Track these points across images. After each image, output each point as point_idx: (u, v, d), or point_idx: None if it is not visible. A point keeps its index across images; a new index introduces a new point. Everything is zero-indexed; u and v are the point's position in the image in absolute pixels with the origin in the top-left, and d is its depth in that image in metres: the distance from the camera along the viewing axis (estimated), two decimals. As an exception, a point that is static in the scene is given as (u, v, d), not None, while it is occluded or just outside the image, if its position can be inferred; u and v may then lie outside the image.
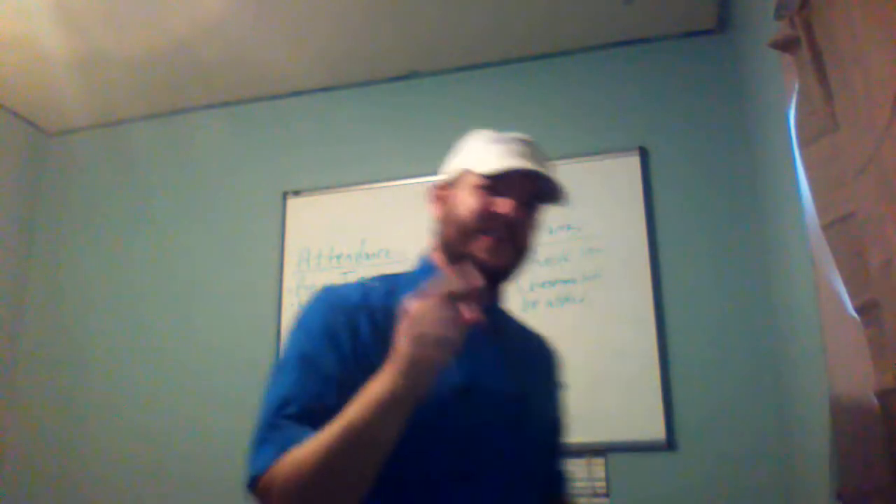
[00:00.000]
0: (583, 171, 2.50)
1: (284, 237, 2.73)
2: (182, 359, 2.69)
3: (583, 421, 2.28)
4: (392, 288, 1.06)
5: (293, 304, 2.61)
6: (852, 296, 1.15)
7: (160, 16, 2.41)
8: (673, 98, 2.53)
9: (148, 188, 2.97)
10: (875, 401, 1.08)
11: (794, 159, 1.52)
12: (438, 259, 1.11)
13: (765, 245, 2.24)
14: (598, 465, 2.26)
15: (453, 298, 0.84)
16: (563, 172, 2.49)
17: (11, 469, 2.76)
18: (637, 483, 2.22)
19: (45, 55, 2.59)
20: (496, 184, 1.05)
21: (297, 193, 2.77)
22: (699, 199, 2.41)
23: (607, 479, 2.24)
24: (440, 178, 1.15)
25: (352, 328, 0.98)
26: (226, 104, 2.97)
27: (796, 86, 1.38)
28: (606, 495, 2.23)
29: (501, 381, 1.05)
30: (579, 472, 2.27)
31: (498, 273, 1.06)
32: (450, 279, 0.86)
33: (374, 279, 1.10)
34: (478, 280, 0.87)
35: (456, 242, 1.06)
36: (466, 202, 1.06)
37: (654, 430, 2.21)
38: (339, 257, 2.65)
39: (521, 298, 2.43)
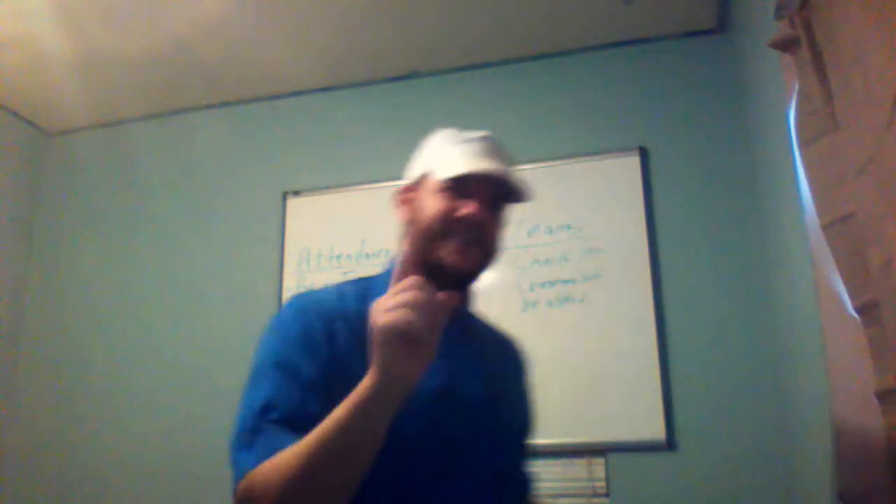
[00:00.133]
0: (583, 171, 2.50)
1: (284, 237, 2.73)
2: (182, 359, 2.69)
3: (583, 421, 2.30)
4: (365, 291, 1.05)
5: (293, 304, 2.61)
6: (852, 296, 1.15)
7: (160, 16, 2.41)
8: (673, 98, 2.53)
9: (148, 188, 2.97)
10: (875, 401, 1.08)
11: (794, 159, 1.52)
12: (408, 262, 1.09)
13: (765, 245, 2.24)
14: (598, 465, 2.26)
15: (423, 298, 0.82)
16: (563, 172, 2.52)
17: (11, 469, 2.76)
18: (637, 483, 2.22)
19: (45, 55, 2.59)
20: (460, 186, 1.04)
21: (297, 193, 2.78)
22: (699, 199, 2.41)
23: (607, 479, 2.24)
24: (404, 180, 1.14)
25: (329, 334, 0.97)
26: (226, 104, 2.97)
27: (796, 86, 1.38)
28: (606, 495, 2.23)
29: (474, 383, 1.05)
30: (579, 472, 2.27)
31: (466, 276, 1.06)
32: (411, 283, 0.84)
33: (346, 283, 1.10)
34: (454, 298, 0.86)
35: (423, 246, 1.06)
36: (431, 206, 1.05)
37: (654, 430, 2.21)
38: (339, 257, 2.65)
39: (521, 298, 2.44)
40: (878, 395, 1.07)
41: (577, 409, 2.29)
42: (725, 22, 2.49)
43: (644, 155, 2.47)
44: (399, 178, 1.18)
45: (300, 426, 0.86)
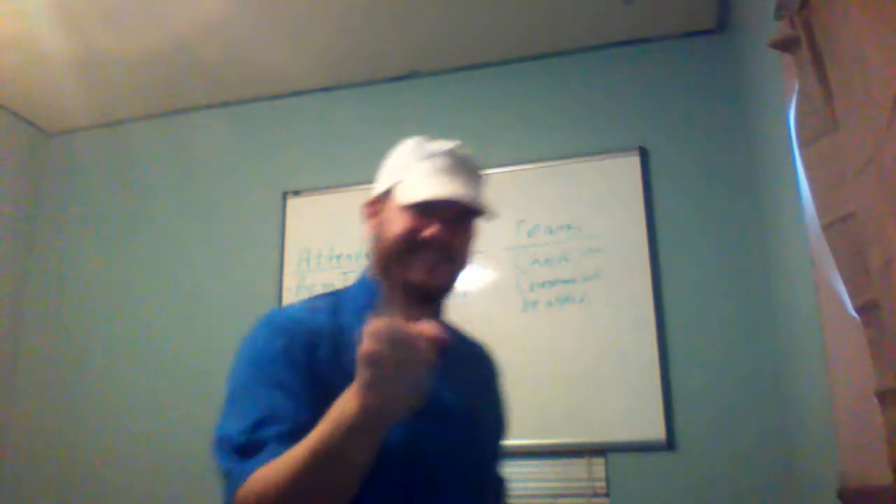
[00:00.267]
0: (583, 171, 2.50)
1: (284, 237, 2.73)
2: (182, 358, 2.69)
3: (583, 421, 2.30)
4: (336, 306, 1.05)
5: (293, 304, 2.61)
6: (852, 296, 1.15)
7: (160, 16, 2.41)
8: (673, 98, 2.53)
9: (148, 188, 2.97)
10: (875, 401, 1.08)
11: (794, 159, 1.52)
12: (377, 275, 1.09)
13: (765, 245, 2.24)
14: (598, 465, 2.26)
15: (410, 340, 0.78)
16: (563, 172, 2.52)
17: (11, 469, 2.76)
18: (637, 483, 2.22)
19: (45, 55, 2.59)
20: (425, 205, 1.02)
21: (297, 193, 2.77)
22: (699, 199, 2.41)
23: (607, 479, 2.24)
24: (371, 194, 1.12)
25: (309, 348, 0.96)
26: (226, 104, 2.97)
27: (796, 86, 1.37)
28: (606, 495, 2.23)
29: (452, 394, 1.04)
30: (579, 472, 2.27)
31: (436, 292, 1.06)
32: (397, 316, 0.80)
33: (316, 298, 1.09)
34: (441, 336, 0.80)
35: (388, 262, 1.05)
36: (396, 224, 1.04)
37: (654, 430, 2.21)
38: (339, 257, 2.65)
39: (521, 298, 2.44)
40: (878, 395, 1.07)
41: (578, 409, 2.29)
42: (725, 22, 2.49)
43: (644, 155, 2.47)
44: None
45: (294, 431, 0.86)
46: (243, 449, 0.88)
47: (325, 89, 2.89)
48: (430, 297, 1.05)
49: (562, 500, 2.25)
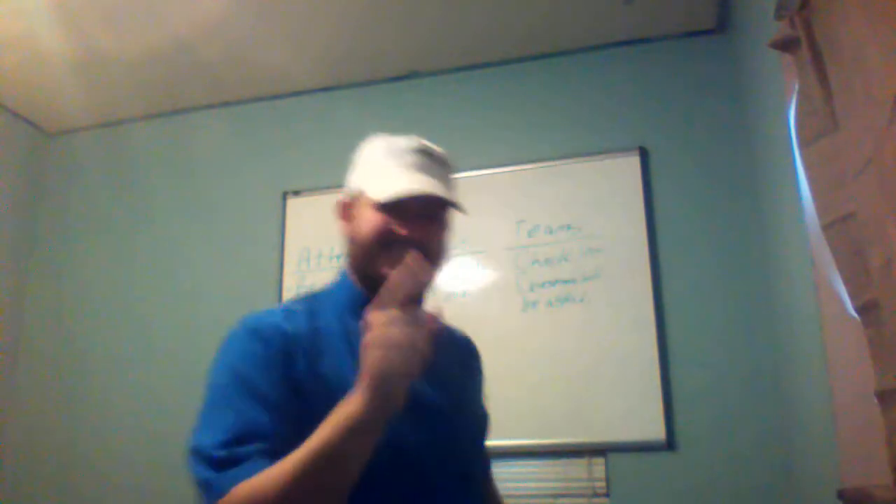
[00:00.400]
0: (583, 171, 2.50)
1: (284, 237, 2.73)
2: (182, 358, 2.69)
3: (583, 421, 2.30)
4: (314, 308, 1.06)
5: (293, 304, 2.61)
6: (852, 296, 1.15)
7: (160, 16, 2.41)
8: (673, 98, 2.53)
9: (148, 188, 2.97)
10: (875, 401, 1.08)
11: (794, 159, 1.52)
12: (353, 275, 1.09)
13: (765, 245, 2.24)
14: (598, 465, 2.26)
15: (410, 302, 0.84)
16: (563, 172, 2.52)
17: (11, 468, 2.76)
18: (637, 483, 2.22)
19: (45, 55, 2.59)
20: (396, 202, 1.02)
21: (297, 193, 2.78)
22: (699, 199, 2.41)
23: (607, 479, 2.24)
24: (343, 194, 1.12)
25: (285, 354, 0.97)
26: (226, 104, 2.97)
27: (796, 86, 1.37)
28: (606, 495, 2.23)
29: (435, 388, 1.04)
30: (579, 472, 2.27)
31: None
32: (398, 282, 0.87)
33: (293, 302, 1.09)
34: (427, 273, 0.86)
35: (363, 263, 1.06)
36: (368, 223, 1.04)
37: (654, 430, 2.21)
38: (339, 257, 2.65)
39: (521, 298, 2.44)
40: (878, 395, 1.07)
41: (578, 409, 2.29)
42: (725, 22, 2.49)
43: (644, 155, 2.47)
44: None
45: (272, 450, 0.87)
46: (222, 462, 0.88)
47: (325, 89, 2.89)
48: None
49: (562, 500, 2.25)
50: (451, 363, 1.13)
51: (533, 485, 2.27)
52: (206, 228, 2.86)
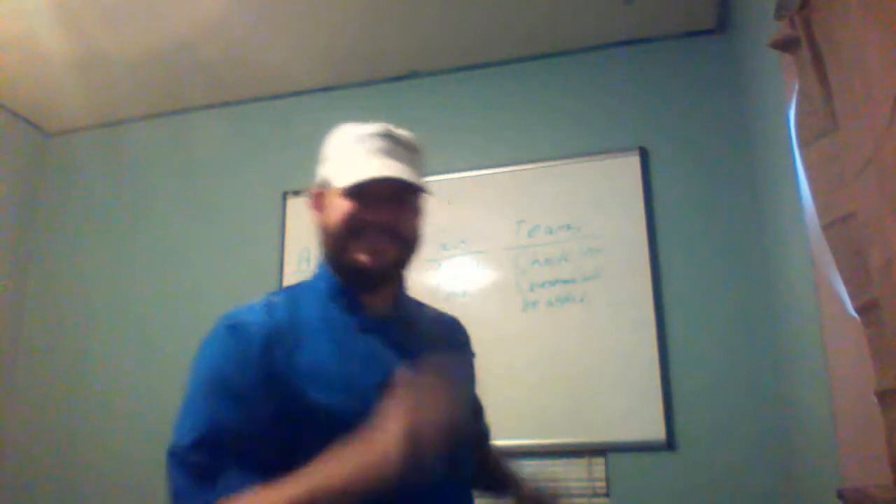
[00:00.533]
0: (583, 171, 2.50)
1: (284, 237, 2.73)
2: (182, 358, 2.67)
3: (583, 421, 2.30)
4: (295, 299, 1.06)
5: (293, 304, 2.61)
6: (852, 296, 1.15)
7: (160, 16, 2.41)
8: (673, 98, 2.53)
9: (148, 188, 2.97)
10: (875, 401, 1.08)
11: (794, 159, 1.52)
12: (327, 264, 1.09)
13: (765, 245, 2.24)
14: (598, 465, 2.26)
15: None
16: (563, 172, 2.52)
17: (11, 467, 2.76)
18: (637, 483, 2.22)
19: (45, 55, 2.59)
20: (363, 187, 1.01)
21: (297, 193, 2.77)
22: (699, 199, 2.41)
23: (607, 479, 2.24)
24: (314, 184, 1.12)
25: (265, 351, 0.97)
26: (226, 104, 2.97)
27: (796, 86, 1.38)
28: (606, 495, 2.23)
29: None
30: (579, 472, 2.27)
31: (385, 273, 1.05)
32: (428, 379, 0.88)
33: (273, 295, 1.09)
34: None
35: (335, 250, 1.05)
36: (337, 210, 1.04)
37: (654, 430, 2.21)
38: (339, 257, 2.65)
39: (521, 298, 2.44)
40: (878, 395, 1.07)
41: (577, 409, 2.29)
42: (725, 22, 2.49)
43: (644, 155, 2.47)
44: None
45: (246, 449, 0.89)
46: (197, 470, 0.90)
47: (325, 89, 2.89)
48: (379, 279, 1.05)
49: (561, 500, 2.25)
50: (439, 347, 1.14)
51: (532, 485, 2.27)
52: (206, 228, 2.86)
